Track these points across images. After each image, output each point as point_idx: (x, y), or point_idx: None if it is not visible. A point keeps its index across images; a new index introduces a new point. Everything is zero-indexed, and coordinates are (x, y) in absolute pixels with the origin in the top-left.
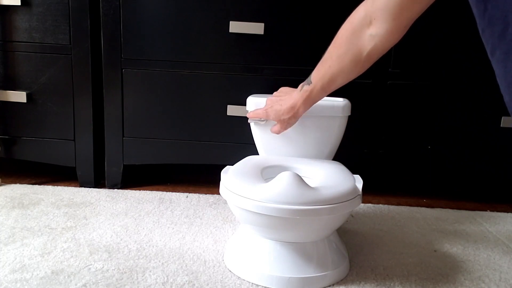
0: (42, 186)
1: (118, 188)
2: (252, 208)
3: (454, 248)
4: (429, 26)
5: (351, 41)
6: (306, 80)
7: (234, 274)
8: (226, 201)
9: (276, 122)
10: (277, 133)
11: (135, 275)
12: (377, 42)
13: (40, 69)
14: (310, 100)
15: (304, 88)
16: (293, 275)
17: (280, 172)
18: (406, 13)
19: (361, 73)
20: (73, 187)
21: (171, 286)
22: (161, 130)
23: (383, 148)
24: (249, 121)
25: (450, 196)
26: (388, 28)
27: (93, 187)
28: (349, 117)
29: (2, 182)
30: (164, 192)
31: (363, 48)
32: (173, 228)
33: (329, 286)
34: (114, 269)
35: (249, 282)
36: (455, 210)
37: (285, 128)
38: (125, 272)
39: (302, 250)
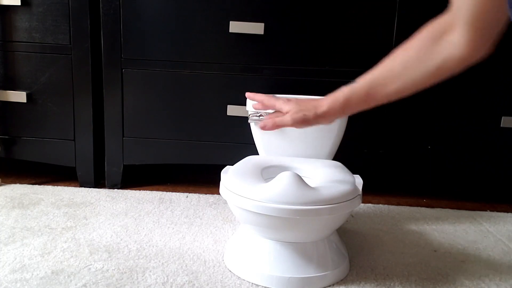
0: (42, 186)
1: (118, 188)
2: (252, 208)
3: (454, 248)
4: None
5: (426, 45)
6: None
7: (234, 274)
8: (226, 201)
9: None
10: (271, 127)
11: (135, 275)
12: (455, 51)
13: (40, 69)
14: (341, 104)
15: (341, 88)
16: (293, 275)
17: (280, 172)
18: (488, 23)
19: (421, 88)
20: (73, 187)
21: (171, 286)
22: (161, 130)
23: (383, 148)
24: (249, 121)
25: (450, 196)
26: (469, 38)
27: (93, 187)
28: (349, 117)
29: (2, 182)
30: (164, 192)
31: (437, 54)
32: (173, 228)
33: (329, 286)
34: (114, 269)
35: (249, 282)
36: (455, 210)
37: (288, 124)
38: (125, 272)
39: (302, 250)
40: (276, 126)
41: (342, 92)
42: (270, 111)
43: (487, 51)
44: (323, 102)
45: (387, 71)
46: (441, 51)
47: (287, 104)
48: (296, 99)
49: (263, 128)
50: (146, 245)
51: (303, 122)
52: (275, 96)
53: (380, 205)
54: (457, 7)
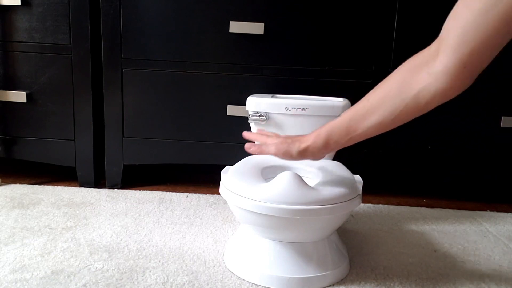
0: (42, 186)
1: (118, 188)
2: (252, 208)
3: (454, 248)
4: (429, 26)
5: (405, 76)
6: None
7: (234, 274)
8: (226, 201)
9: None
10: (255, 151)
11: (135, 275)
12: (434, 82)
13: (40, 69)
14: (323, 139)
15: (326, 123)
16: (293, 275)
17: (280, 172)
18: (479, 55)
19: (401, 122)
20: (73, 187)
21: (171, 286)
22: (161, 130)
23: (383, 148)
24: (249, 121)
25: (450, 196)
26: (454, 67)
27: (93, 187)
28: None
29: (2, 182)
30: (164, 192)
31: (415, 85)
32: (173, 228)
33: (329, 286)
34: (114, 269)
35: (249, 282)
36: (455, 210)
37: (271, 153)
38: (125, 272)
39: (302, 250)
40: (260, 152)
41: (324, 127)
42: (270, 111)
43: (468, 85)
44: (308, 137)
45: (366, 103)
46: (419, 82)
47: (275, 138)
48: (286, 135)
49: (248, 149)
50: (146, 245)
51: (285, 154)
52: (267, 133)
53: (380, 205)
54: (447, 30)
